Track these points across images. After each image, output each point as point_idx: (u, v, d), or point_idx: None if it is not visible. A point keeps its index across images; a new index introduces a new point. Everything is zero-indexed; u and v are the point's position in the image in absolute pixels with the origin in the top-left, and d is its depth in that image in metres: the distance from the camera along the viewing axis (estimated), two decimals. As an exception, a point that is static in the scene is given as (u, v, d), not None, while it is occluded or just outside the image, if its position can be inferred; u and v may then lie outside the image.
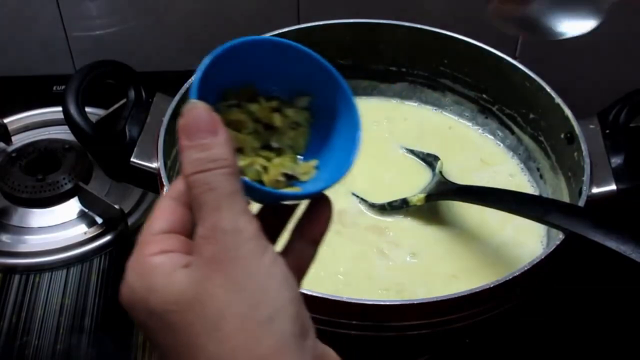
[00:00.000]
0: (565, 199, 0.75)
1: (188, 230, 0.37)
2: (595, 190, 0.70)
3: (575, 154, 0.73)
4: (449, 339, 0.66)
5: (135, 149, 0.74)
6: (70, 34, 1.02)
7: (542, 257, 0.62)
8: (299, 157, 0.43)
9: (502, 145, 0.86)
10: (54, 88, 1.01)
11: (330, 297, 0.58)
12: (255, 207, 0.38)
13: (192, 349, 0.33)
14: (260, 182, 0.40)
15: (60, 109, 0.75)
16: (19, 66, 1.03)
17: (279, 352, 0.33)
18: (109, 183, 0.86)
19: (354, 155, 0.41)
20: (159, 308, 0.34)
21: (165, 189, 0.67)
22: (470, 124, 0.89)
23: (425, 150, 0.83)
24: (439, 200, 0.77)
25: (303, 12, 0.99)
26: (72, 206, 0.85)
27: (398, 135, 0.86)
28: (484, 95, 0.87)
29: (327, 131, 0.43)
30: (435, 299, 0.58)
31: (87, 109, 0.75)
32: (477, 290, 0.59)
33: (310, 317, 0.36)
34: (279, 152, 0.42)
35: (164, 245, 0.36)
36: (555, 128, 0.77)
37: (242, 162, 0.40)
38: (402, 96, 0.91)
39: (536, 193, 0.81)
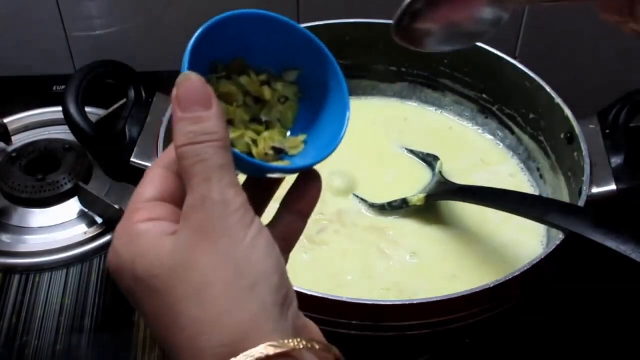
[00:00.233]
0: (565, 199, 0.75)
1: (177, 199, 0.38)
2: (595, 190, 0.70)
3: (575, 154, 0.73)
4: (449, 339, 0.66)
5: (135, 149, 0.74)
6: (70, 34, 1.02)
7: (542, 257, 0.62)
8: (287, 131, 0.44)
9: (502, 145, 0.86)
10: (54, 88, 1.01)
11: (330, 297, 0.58)
12: (241, 178, 0.39)
13: (176, 312, 0.34)
14: (250, 154, 0.40)
15: (60, 109, 0.75)
16: (19, 66, 1.03)
17: (259, 318, 0.34)
18: (109, 183, 0.86)
19: (342, 133, 0.41)
20: (144, 273, 0.35)
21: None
22: (470, 124, 0.89)
23: (425, 150, 0.83)
24: (439, 200, 0.77)
25: (303, 12, 0.99)
26: (72, 206, 0.85)
27: (398, 135, 0.86)
28: (484, 95, 0.87)
29: (316, 107, 0.43)
30: (435, 299, 0.58)
31: (87, 109, 0.75)
32: (477, 290, 0.59)
33: (294, 290, 0.37)
34: (267, 125, 0.43)
35: (152, 213, 0.36)
36: (555, 128, 0.77)
37: (233, 134, 0.40)
38: (402, 96, 0.91)
39: (536, 193, 0.81)
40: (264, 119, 0.43)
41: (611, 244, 0.60)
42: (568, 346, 0.73)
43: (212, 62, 0.41)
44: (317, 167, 0.41)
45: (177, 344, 0.35)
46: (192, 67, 0.37)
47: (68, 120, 0.74)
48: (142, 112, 0.76)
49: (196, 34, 0.39)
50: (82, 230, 0.83)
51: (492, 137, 0.87)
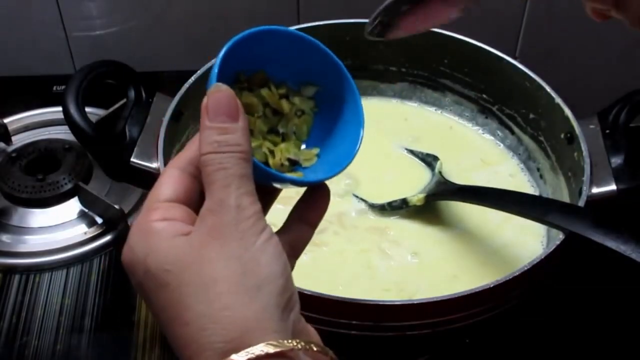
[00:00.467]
0: (565, 199, 0.75)
1: (192, 200, 0.40)
2: (595, 190, 0.70)
3: (575, 154, 0.73)
4: (449, 339, 0.66)
5: (135, 149, 0.74)
6: (70, 34, 1.02)
7: (542, 257, 0.62)
8: (302, 143, 0.46)
9: (502, 145, 0.86)
10: (54, 88, 1.01)
11: (330, 297, 0.58)
12: None
13: (182, 307, 0.36)
14: (266, 163, 0.43)
15: (60, 109, 0.75)
16: (19, 66, 1.03)
17: (261, 318, 0.35)
18: (109, 183, 0.86)
19: (355, 150, 0.43)
20: (155, 268, 0.37)
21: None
22: (470, 124, 0.89)
23: (425, 150, 0.83)
24: (439, 200, 0.77)
25: (303, 12, 0.99)
26: (72, 206, 0.85)
27: (398, 135, 0.86)
28: (484, 95, 0.87)
29: (331, 122, 0.45)
30: (435, 299, 0.58)
31: (87, 109, 0.75)
32: (477, 290, 0.59)
33: (296, 292, 0.39)
34: (283, 137, 0.45)
35: (167, 214, 0.38)
36: (555, 128, 0.77)
37: (252, 143, 0.42)
38: (402, 96, 0.91)
39: (536, 193, 0.81)
40: (280, 130, 0.45)
41: (611, 243, 0.60)
42: (568, 346, 0.73)
43: (235, 72, 0.43)
44: None
45: (182, 338, 0.36)
46: (220, 78, 0.39)
47: (68, 120, 0.74)
48: (142, 112, 0.76)
49: (225, 47, 0.40)
50: (82, 230, 0.83)
51: (492, 137, 0.87)
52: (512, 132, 0.85)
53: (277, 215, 0.45)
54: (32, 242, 0.82)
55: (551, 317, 0.75)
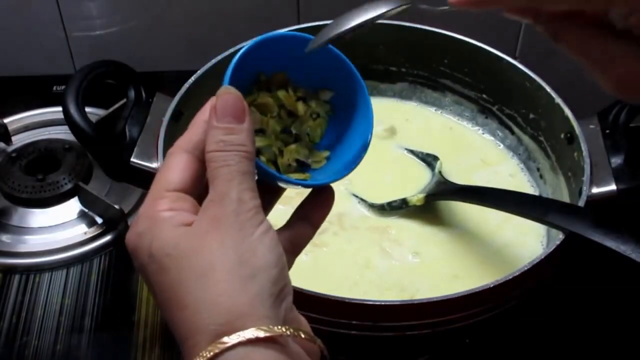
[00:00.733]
0: (565, 199, 0.75)
1: (198, 189, 0.42)
2: (595, 190, 0.70)
3: (575, 154, 0.73)
4: (449, 339, 0.66)
5: (135, 149, 0.74)
6: (70, 34, 1.02)
7: (542, 257, 0.62)
8: (313, 145, 0.47)
9: (502, 145, 0.86)
10: (54, 88, 1.01)
11: (330, 297, 0.58)
12: None
13: (181, 291, 0.38)
14: (274, 162, 0.45)
15: (60, 109, 0.75)
16: (19, 66, 1.03)
17: (254, 304, 0.37)
18: (109, 183, 0.86)
19: (359, 157, 0.45)
20: (158, 252, 0.39)
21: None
22: (470, 124, 0.89)
23: (425, 150, 0.83)
24: (439, 200, 0.77)
25: (303, 12, 0.99)
26: (72, 206, 0.85)
27: (398, 135, 0.86)
28: (484, 95, 0.87)
29: (343, 127, 0.47)
30: (435, 299, 0.58)
31: (87, 109, 0.75)
32: (477, 290, 0.59)
33: (290, 283, 0.40)
34: (296, 138, 0.47)
35: (174, 204, 0.40)
36: (555, 128, 0.77)
37: (262, 142, 0.45)
38: (402, 96, 0.91)
39: (536, 193, 0.81)
40: (294, 131, 0.47)
41: (611, 243, 0.60)
42: (568, 346, 0.73)
43: (257, 72, 0.45)
44: None
45: (179, 320, 0.38)
46: (233, 81, 0.41)
47: (68, 120, 0.74)
48: (142, 112, 0.76)
49: (240, 52, 0.42)
50: (82, 230, 0.83)
51: (492, 137, 0.87)
52: (512, 132, 0.85)
53: (278, 216, 0.46)
54: (32, 242, 0.82)
55: (551, 317, 0.75)
